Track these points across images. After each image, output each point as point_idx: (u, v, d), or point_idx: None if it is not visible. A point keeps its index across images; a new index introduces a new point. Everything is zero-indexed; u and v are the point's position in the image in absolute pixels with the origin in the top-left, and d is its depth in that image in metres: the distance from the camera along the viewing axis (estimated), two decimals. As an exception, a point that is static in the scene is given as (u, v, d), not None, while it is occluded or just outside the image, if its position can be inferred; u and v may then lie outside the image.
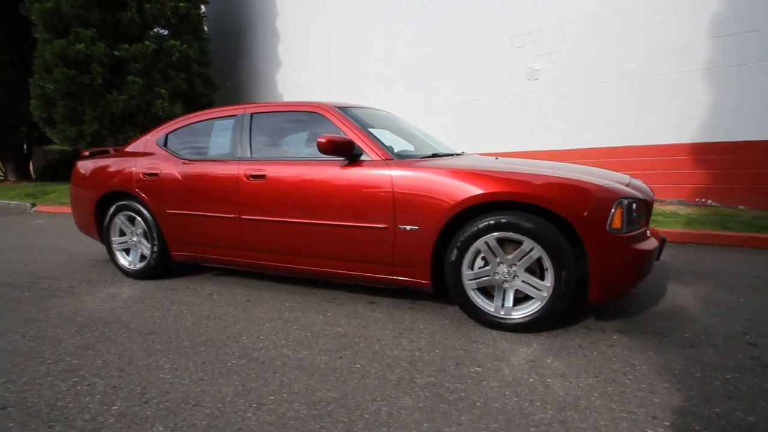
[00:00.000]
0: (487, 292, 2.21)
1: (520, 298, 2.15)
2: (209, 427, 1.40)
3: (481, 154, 3.17)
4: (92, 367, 1.82)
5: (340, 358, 1.89)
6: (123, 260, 3.27)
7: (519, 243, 2.07)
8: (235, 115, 2.86)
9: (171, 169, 2.92)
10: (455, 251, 2.17)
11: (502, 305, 2.14)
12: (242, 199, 2.65)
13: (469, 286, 2.18)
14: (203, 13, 10.30)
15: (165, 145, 3.08)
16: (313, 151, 2.48)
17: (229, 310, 2.51)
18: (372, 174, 2.30)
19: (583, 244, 1.94)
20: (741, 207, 5.56)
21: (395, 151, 2.45)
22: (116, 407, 1.52)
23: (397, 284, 2.42)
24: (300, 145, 2.75)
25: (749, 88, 5.34)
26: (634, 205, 2.01)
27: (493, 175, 2.08)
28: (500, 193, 2.01)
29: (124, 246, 3.28)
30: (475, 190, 2.06)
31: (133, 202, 3.11)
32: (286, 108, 2.76)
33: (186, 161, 2.90)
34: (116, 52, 8.41)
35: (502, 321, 2.12)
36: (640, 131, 6.22)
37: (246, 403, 1.53)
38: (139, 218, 3.10)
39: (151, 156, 3.06)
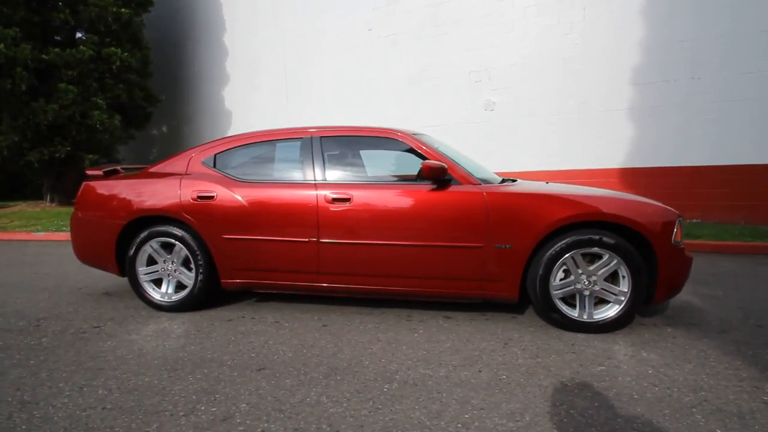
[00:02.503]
0: (565, 301, 2.52)
1: (594, 304, 2.50)
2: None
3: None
4: (243, 413, 1.67)
5: (480, 371, 2.01)
6: (154, 292, 2.90)
7: (599, 256, 2.42)
8: (301, 138, 2.81)
9: (230, 191, 2.73)
10: (542, 266, 2.44)
11: (585, 310, 2.46)
12: (322, 222, 2.61)
13: (556, 296, 2.47)
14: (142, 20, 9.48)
15: (214, 166, 2.87)
16: (392, 174, 2.58)
17: (319, 337, 2.44)
18: (467, 197, 2.49)
19: (655, 255, 2.36)
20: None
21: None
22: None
23: (482, 298, 2.61)
24: (377, 168, 2.82)
25: (661, 124, 6.70)
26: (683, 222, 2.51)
27: (580, 199, 2.42)
28: (592, 214, 2.35)
29: (154, 277, 2.92)
30: (568, 211, 2.37)
31: (172, 227, 2.81)
32: (358, 133, 2.81)
33: (249, 184, 2.75)
34: (45, 57, 7.27)
35: (588, 324, 2.44)
36: (579, 157, 7.32)
37: (455, 425, 1.57)
38: (180, 244, 2.81)
39: (200, 177, 2.82)
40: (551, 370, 2.01)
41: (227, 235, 2.73)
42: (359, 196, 2.59)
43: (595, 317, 2.45)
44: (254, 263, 2.75)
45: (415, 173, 2.64)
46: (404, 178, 2.81)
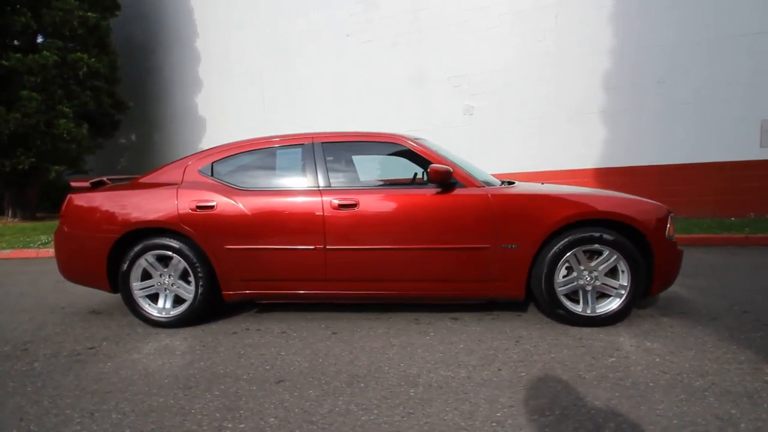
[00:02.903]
0: (568, 297, 2.61)
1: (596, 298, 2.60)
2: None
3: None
4: (274, 427, 1.62)
5: (499, 370, 2.04)
6: (150, 308, 2.77)
7: (599, 252, 2.53)
8: (302, 144, 2.77)
9: (232, 200, 2.66)
10: (547, 264, 2.52)
11: (588, 305, 2.56)
12: (329, 230, 2.58)
13: (560, 293, 2.55)
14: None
15: (212, 174, 2.79)
16: (394, 179, 2.60)
17: (331, 345, 2.40)
18: (472, 200, 2.53)
19: (651, 250, 2.49)
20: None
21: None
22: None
23: (489, 298, 2.66)
24: (378, 173, 2.82)
25: (631, 126, 7.07)
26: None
27: (581, 198, 2.52)
28: (594, 212, 2.45)
29: (149, 292, 2.80)
30: (571, 210, 2.46)
31: (169, 239, 2.70)
32: (360, 138, 2.81)
33: (251, 192, 2.68)
34: (5, 62, 6.82)
35: (592, 318, 2.53)
36: (557, 159, 7.60)
37: (490, 424, 1.59)
38: (178, 257, 2.70)
39: (198, 186, 2.73)
40: (567, 365, 2.07)
41: (229, 245, 2.65)
42: (366, 202, 2.58)
43: (598, 311, 2.55)
44: (258, 273, 2.69)
45: (410, 177, 2.66)
46: (408, 183, 2.83)
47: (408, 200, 2.58)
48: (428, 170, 2.48)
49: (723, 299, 3.01)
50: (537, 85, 7.51)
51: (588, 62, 7.18)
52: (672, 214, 2.59)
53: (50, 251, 6.12)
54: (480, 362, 2.13)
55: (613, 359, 2.12)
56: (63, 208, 2.89)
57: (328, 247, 2.60)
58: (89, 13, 7.73)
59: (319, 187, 2.68)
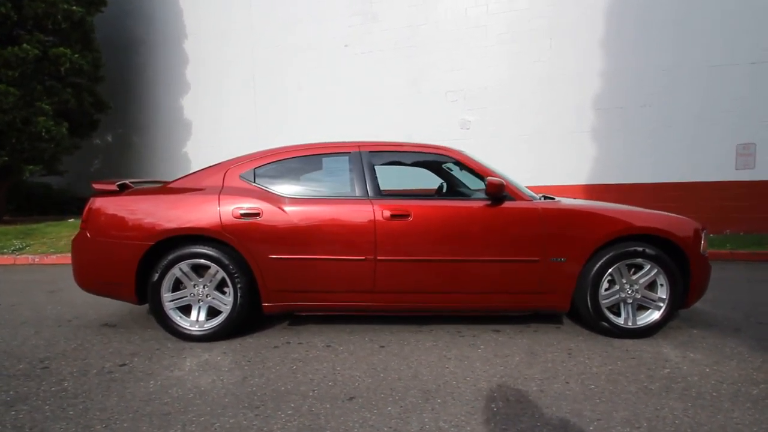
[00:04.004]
0: (610, 309, 2.68)
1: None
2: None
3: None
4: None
5: (567, 383, 2.06)
6: (182, 321, 2.60)
7: (640, 266, 2.63)
8: (348, 152, 2.73)
9: (278, 208, 2.56)
10: (592, 277, 2.59)
11: (630, 317, 2.64)
12: (380, 240, 2.53)
13: (604, 305, 2.62)
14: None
15: (254, 181, 2.68)
16: (419, 189, 2.60)
17: (385, 359, 2.34)
18: (524, 213, 2.58)
19: (689, 264, 2.61)
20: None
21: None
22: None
23: (535, 310, 2.70)
24: (421, 184, 2.81)
25: (618, 146, 7.47)
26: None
27: (625, 214, 2.62)
28: (638, 228, 2.55)
29: (181, 303, 2.63)
30: (618, 226, 2.55)
31: (205, 248, 2.56)
32: (408, 149, 2.80)
33: (299, 200, 2.59)
34: (-20, 54, 6.31)
35: (633, 330, 2.61)
36: (549, 174, 7.88)
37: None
38: (216, 266, 2.56)
39: (241, 193, 2.60)
40: (628, 376, 2.12)
41: (274, 254, 2.55)
42: (418, 212, 2.56)
43: (638, 323, 2.64)
44: (303, 284, 2.59)
45: (435, 188, 2.64)
46: (458, 194, 2.84)
47: (461, 212, 2.59)
48: (486, 183, 2.49)
49: (735, 311, 3.20)
50: (532, 103, 7.81)
51: (579, 84, 7.55)
52: (705, 230, 2.73)
53: (30, 257, 5.64)
54: (544, 375, 2.14)
55: (668, 370, 2.19)
56: (85, 212, 2.67)
57: (378, 258, 2.55)
58: (74, 7, 7.32)
59: (368, 196, 2.63)
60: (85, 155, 10.90)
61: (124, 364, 2.31)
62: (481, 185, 2.97)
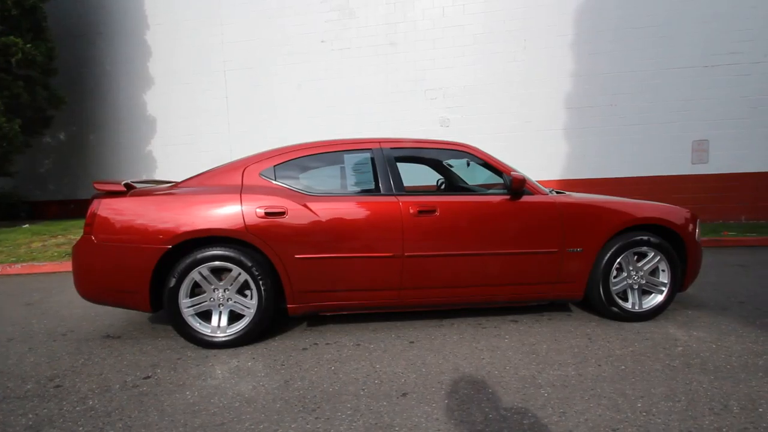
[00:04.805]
0: (618, 295, 2.87)
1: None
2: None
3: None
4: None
5: (599, 365, 2.18)
6: (202, 327, 2.47)
7: (644, 254, 2.83)
8: (370, 149, 2.70)
9: (303, 206, 2.49)
10: (603, 265, 2.75)
11: (637, 302, 2.83)
12: (407, 236, 2.54)
13: (614, 291, 2.80)
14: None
15: (275, 179, 2.59)
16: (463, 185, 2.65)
17: (421, 354, 2.36)
18: (543, 206, 2.69)
19: (686, 251, 2.84)
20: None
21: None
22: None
23: (550, 299, 2.82)
24: (448, 180, 2.84)
25: (588, 143, 7.93)
26: (697, 222, 3.07)
27: (631, 206, 2.80)
28: (644, 219, 2.74)
29: (201, 309, 2.50)
30: (626, 216, 2.72)
31: (227, 250, 2.44)
32: (428, 145, 2.82)
33: (324, 197, 2.54)
34: None
35: (640, 314, 2.81)
36: (525, 170, 8.19)
37: (641, 414, 1.70)
38: (238, 268, 2.46)
39: (263, 192, 2.51)
40: (649, 356, 2.28)
41: (300, 254, 2.48)
42: (444, 208, 2.60)
43: (644, 307, 2.84)
44: (330, 284, 2.55)
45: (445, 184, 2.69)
46: (480, 189, 2.91)
47: (485, 206, 2.66)
48: (511, 178, 2.57)
49: (718, 293, 3.51)
50: (508, 101, 8.09)
51: (552, 84, 7.93)
52: (699, 219, 2.99)
53: (-13, 269, 5.09)
54: (575, 360, 2.26)
55: (681, 348, 2.38)
56: (89, 215, 2.47)
57: (406, 254, 2.57)
58: (25, -8, 6.67)
59: (394, 192, 2.63)
60: (36, 155, 9.98)
61: (147, 377, 2.17)
62: (481, 181, 3.08)
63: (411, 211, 2.58)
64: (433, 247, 2.59)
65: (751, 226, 6.86)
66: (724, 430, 1.59)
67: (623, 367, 2.16)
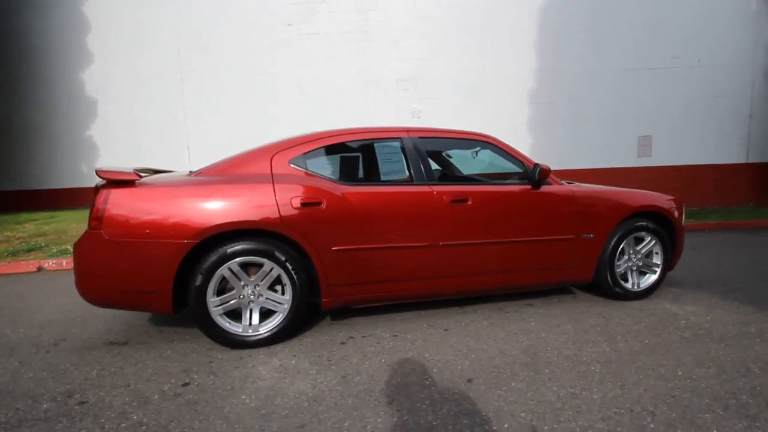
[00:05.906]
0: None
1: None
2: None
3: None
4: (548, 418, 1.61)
5: (627, 341, 2.38)
6: (232, 326, 2.30)
7: (641, 239, 3.11)
8: (399, 138, 2.66)
9: (339, 196, 2.39)
10: (610, 249, 2.99)
11: (636, 282, 3.12)
12: (443, 225, 2.56)
13: (618, 274, 3.06)
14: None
15: (306, 167, 2.45)
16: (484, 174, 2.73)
17: (464, 341, 2.41)
18: (563, 195, 2.84)
19: (675, 234, 3.17)
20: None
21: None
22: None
23: (563, 283, 3.01)
24: (473, 169, 2.89)
25: (551, 136, 8.47)
26: (679, 207, 3.42)
27: (632, 195, 3.05)
28: (646, 207, 3.01)
29: (229, 307, 2.32)
30: (632, 204, 2.98)
31: (260, 243, 2.29)
32: (453, 135, 2.84)
33: (358, 186, 2.45)
34: None
35: (638, 293, 3.10)
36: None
37: (684, 379, 1.88)
38: (271, 262, 2.31)
39: (297, 181, 2.36)
40: (662, 330, 2.54)
41: (338, 246, 2.40)
42: (476, 197, 2.65)
43: (641, 286, 3.14)
44: (367, 275, 2.50)
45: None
46: (505, 178, 3.00)
47: (512, 196, 2.75)
48: (540, 168, 2.68)
49: (687, 273, 3.97)
50: (478, 95, 8.35)
51: (518, 79, 8.31)
52: (684, 205, 3.34)
53: None
54: (603, 337, 2.44)
55: (684, 321, 2.68)
56: (96, 208, 2.16)
57: (440, 243, 2.58)
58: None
59: (426, 181, 2.63)
60: (-58, 139, 8.50)
61: (186, 384, 1.99)
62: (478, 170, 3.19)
63: (445, 200, 2.60)
64: (465, 235, 2.64)
65: (688, 212, 7.80)
66: (758, 388, 1.83)
67: (646, 341, 2.38)
